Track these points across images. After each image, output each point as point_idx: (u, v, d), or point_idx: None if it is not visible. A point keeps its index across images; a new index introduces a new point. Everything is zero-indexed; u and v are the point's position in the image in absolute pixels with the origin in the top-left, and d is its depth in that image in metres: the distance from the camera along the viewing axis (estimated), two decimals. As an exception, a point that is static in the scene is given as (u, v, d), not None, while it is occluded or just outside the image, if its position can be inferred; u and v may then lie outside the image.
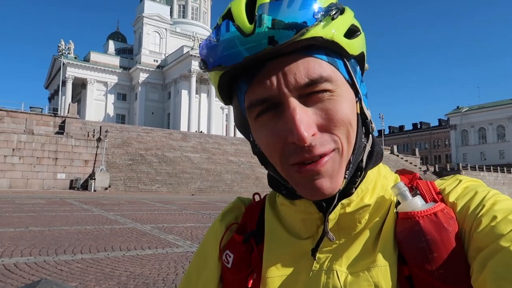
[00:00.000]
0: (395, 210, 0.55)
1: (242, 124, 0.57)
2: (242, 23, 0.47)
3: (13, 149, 29.22)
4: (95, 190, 29.23)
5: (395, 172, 0.63)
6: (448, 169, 56.06)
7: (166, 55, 74.48)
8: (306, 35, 0.46)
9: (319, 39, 0.48)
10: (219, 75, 0.52)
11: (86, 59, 72.97)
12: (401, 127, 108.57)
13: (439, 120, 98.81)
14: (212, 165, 38.64)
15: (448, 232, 0.49)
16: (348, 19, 0.50)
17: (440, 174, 55.35)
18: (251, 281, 0.58)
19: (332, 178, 0.50)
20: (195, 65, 64.66)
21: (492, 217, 0.48)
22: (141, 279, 5.19)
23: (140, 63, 71.87)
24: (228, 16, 0.50)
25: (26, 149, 29.67)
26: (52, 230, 9.29)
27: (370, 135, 0.56)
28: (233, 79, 0.53)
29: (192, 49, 65.56)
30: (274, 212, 0.62)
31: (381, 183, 0.57)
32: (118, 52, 79.90)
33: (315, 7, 0.47)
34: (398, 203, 0.54)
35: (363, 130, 0.54)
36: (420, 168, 57.44)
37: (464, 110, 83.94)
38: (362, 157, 0.54)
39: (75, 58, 69.38)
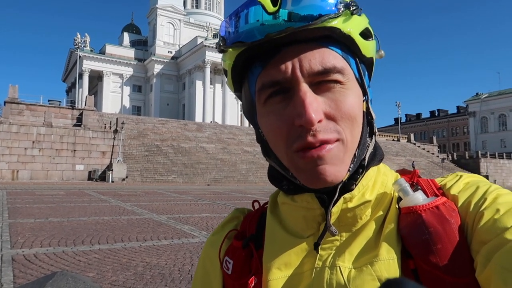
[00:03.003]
0: (397, 206, 0.55)
1: (249, 110, 0.57)
2: (266, 3, 0.49)
3: (33, 142, 29.88)
4: (112, 181, 29.71)
5: (395, 172, 0.63)
6: (467, 157, 55.03)
7: (180, 46, 74.62)
8: (325, 23, 0.48)
9: (337, 31, 0.50)
10: (236, 54, 0.52)
11: (102, 52, 73.69)
12: (418, 115, 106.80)
13: (458, 107, 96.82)
14: (227, 155, 38.78)
15: (451, 224, 0.49)
16: (364, 21, 0.53)
17: (459, 162, 54.41)
18: (252, 286, 0.58)
19: (336, 166, 0.50)
20: (209, 55, 64.61)
21: (495, 210, 0.48)
22: (157, 269, 5.25)
23: (154, 55, 72.20)
24: (251, 1, 0.51)
25: (45, 141, 30.31)
26: (70, 221, 9.48)
27: (374, 136, 0.57)
28: (247, 62, 0.54)
29: (206, 39, 65.46)
30: (274, 215, 0.62)
31: (381, 180, 0.58)
32: (133, 44, 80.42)
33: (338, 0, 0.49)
34: (399, 199, 0.54)
35: (368, 130, 0.56)
36: (438, 156, 56.59)
37: (483, 96, 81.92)
38: (365, 155, 0.55)
39: (91, 51, 70.11)
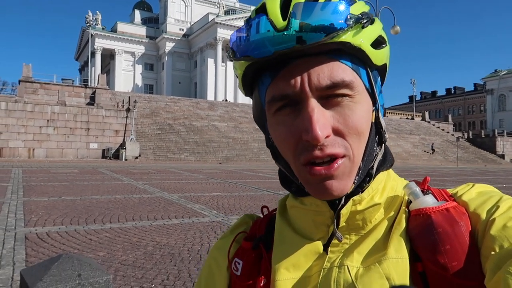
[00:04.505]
0: (406, 209, 0.55)
1: (259, 116, 0.59)
2: (275, 19, 0.49)
3: (48, 120, 30.26)
4: (126, 159, 30.06)
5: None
6: (483, 136, 54.06)
7: (192, 23, 73.95)
8: (335, 39, 0.48)
9: (347, 44, 0.50)
10: (246, 65, 0.54)
11: (113, 30, 73.50)
12: (434, 93, 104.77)
13: (475, 84, 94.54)
14: (239, 134, 38.78)
15: (460, 226, 0.49)
16: (376, 29, 0.52)
17: (474, 140, 53.52)
18: (260, 286, 0.59)
19: (342, 181, 0.51)
20: (221, 32, 63.91)
21: (508, 218, 0.48)
22: (167, 249, 5.28)
23: (166, 32, 71.77)
24: (262, 10, 0.51)
25: (59, 120, 30.66)
26: (83, 199, 9.61)
27: (383, 144, 0.57)
28: (257, 71, 0.55)
29: (217, 16, 64.60)
30: (284, 218, 0.63)
31: (391, 184, 0.58)
32: (144, 21, 79.95)
33: (348, 13, 0.49)
34: (409, 202, 0.55)
35: (376, 139, 0.56)
36: (453, 134, 55.71)
37: (502, 73, 79.72)
38: (373, 164, 0.55)
39: (103, 29, 69.99)
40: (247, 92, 0.59)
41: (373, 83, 0.55)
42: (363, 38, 0.50)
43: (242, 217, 0.71)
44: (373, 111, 0.55)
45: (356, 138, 0.51)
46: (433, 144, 47.35)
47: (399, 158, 41.78)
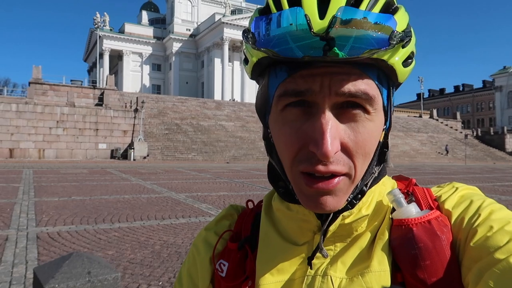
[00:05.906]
0: (390, 216, 0.54)
1: (262, 106, 0.55)
2: (312, 16, 0.44)
3: (57, 121, 30.66)
4: (134, 159, 30.33)
5: (392, 178, 0.63)
6: (492, 133, 53.57)
7: (198, 23, 74.20)
8: (374, 56, 0.45)
9: (382, 62, 0.47)
10: (263, 56, 0.49)
11: (121, 31, 74.01)
12: (442, 90, 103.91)
13: (484, 81, 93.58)
14: (246, 133, 38.89)
15: (441, 240, 0.49)
16: (411, 46, 0.49)
17: (483, 138, 53.06)
18: None
19: (337, 197, 0.49)
20: (228, 32, 64.04)
21: (488, 227, 0.47)
22: (174, 248, 5.41)
23: (173, 33, 72.08)
24: (296, 2, 0.45)
25: (69, 121, 31.04)
26: (92, 199, 9.79)
27: (382, 164, 0.56)
28: (273, 62, 0.50)
29: (223, 16, 64.73)
30: (269, 218, 0.61)
31: (379, 190, 0.57)
32: (152, 22, 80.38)
33: (393, 29, 0.45)
34: (394, 209, 0.54)
35: (377, 158, 0.54)
36: (461, 132, 55.29)
37: (511, 70, 78.88)
38: (368, 182, 0.54)
39: (111, 30, 70.49)
40: (254, 77, 0.56)
41: (391, 101, 0.53)
42: (398, 57, 0.47)
43: (227, 208, 0.70)
44: (383, 130, 0.53)
45: (362, 159, 0.49)
46: (447, 145, 46.69)
47: (407, 156, 41.59)
